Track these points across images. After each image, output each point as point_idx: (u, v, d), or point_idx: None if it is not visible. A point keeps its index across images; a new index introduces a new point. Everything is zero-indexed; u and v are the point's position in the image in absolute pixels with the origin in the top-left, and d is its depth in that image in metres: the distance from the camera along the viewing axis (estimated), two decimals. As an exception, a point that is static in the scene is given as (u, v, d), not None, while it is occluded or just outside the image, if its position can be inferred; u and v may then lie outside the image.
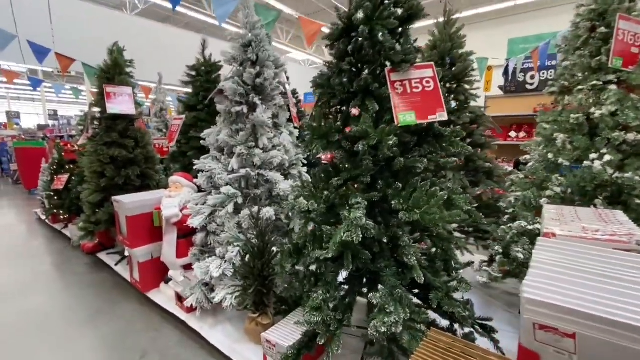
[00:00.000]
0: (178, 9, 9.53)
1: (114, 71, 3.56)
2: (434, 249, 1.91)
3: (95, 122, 3.66)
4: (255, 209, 2.35)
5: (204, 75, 3.46)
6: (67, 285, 3.24)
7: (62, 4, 8.37)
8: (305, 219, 1.92)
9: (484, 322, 1.88)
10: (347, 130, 1.83)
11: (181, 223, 2.62)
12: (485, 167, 3.10)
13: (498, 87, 5.76)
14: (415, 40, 1.77)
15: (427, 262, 1.82)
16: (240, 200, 2.40)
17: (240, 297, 2.19)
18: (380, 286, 1.61)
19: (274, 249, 2.21)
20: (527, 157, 2.63)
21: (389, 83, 1.64)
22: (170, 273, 2.84)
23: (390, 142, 1.51)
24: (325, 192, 1.75)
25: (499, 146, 3.90)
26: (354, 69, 1.81)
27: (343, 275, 1.91)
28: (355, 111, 1.78)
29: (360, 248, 1.67)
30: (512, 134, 5.33)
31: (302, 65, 18.36)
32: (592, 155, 2.09)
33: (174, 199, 2.69)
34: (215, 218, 2.48)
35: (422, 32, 2.57)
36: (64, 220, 4.78)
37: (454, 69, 3.08)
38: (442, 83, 2.46)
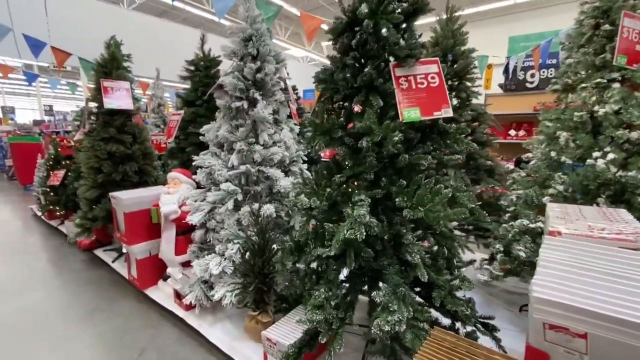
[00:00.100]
0: (176, 3, 9.44)
1: (112, 65, 3.50)
2: (435, 247, 1.89)
3: (92, 117, 3.60)
4: (256, 206, 2.32)
5: (202, 70, 3.41)
6: (63, 283, 3.20)
7: (57, -2, 8.26)
8: (307, 216, 1.90)
9: (485, 321, 1.87)
10: (349, 126, 1.81)
11: (180, 220, 2.59)
12: (486, 165, 3.09)
13: (498, 85, 5.75)
14: (420, 36, 1.74)
15: (430, 260, 1.81)
16: (240, 197, 2.37)
17: (240, 295, 2.17)
18: (383, 284, 1.59)
19: (275, 246, 2.18)
20: (529, 155, 2.62)
21: (393, 78, 1.62)
22: (169, 270, 2.81)
23: (396, 139, 1.49)
24: (328, 189, 1.72)
25: (498, 144, 3.89)
26: (357, 64, 1.78)
27: (344, 273, 1.89)
28: (357, 108, 1.76)
29: (363, 246, 1.65)
30: (512, 132, 5.33)
31: (300, 62, 18.28)
32: (596, 154, 2.07)
33: (173, 195, 2.65)
34: (214, 215, 2.45)
35: (423, 29, 2.54)
36: (60, 216, 4.73)
37: (455, 66, 3.06)
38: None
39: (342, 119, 1.79)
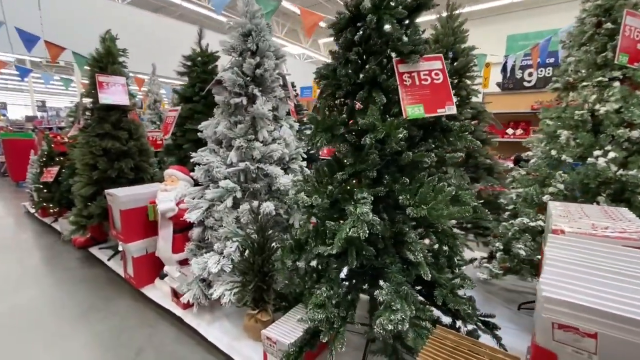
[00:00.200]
0: (172, -2, 9.32)
1: (107, 60, 3.44)
2: (436, 245, 1.88)
3: (87, 113, 3.54)
4: (255, 203, 2.30)
5: (200, 66, 3.37)
6: (57, 281, 3.15)
7: (50, -9, 8.10)
8: (308, 214, 1.87)
9: (486, 319, 1.86)
10: (351, 123, 1.78)
11: (177, 217, 2.55)
12: (485, 163, 3.09)
13: (496, 83, 5.75)
14: (424, 32, 1.72)
15: (432, 258, 1.79)
16: (239, 195, 2.34)
17: (239, 294, 2.14)
18: (386, 283, 1.57)
19: (274, 244, 2.16)
20: (529, 153, 2.62)
21: (397, 75, 1.60)
22: (166, 268, 2.77)
23: (400, 136, 1.47)
24: (329, 187, 1.70)
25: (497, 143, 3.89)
26: (359, 61, 1.75)
27: (344, 271, 1.87)
28: (357, 105, 1.74)
29: (365, 244, 1.63)
30: (509, 131, 5.34)
31: (297, 59, 18.19)
32: (596, 152, 2.07)
33: (170, 192, 2.61)
34: (212, 212, 2.42)
35: (424, 26, 2.51)
36: (53, 213, 4.65)
37: (455, 63, 3.04)
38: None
39: (344, 115, 1.76)
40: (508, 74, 5.28)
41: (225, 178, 2.39)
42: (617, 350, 0.86)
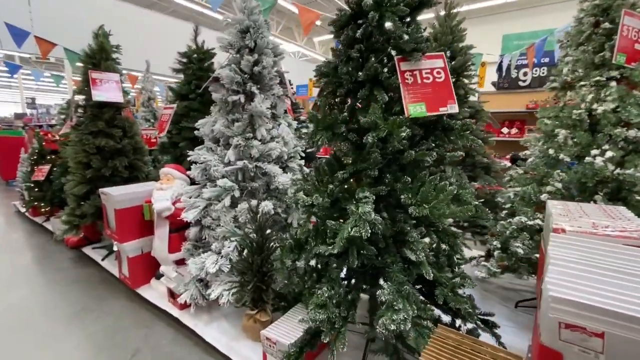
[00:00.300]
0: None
1: (100, 56, 3.37)
2: (435, 244, 1.88)
3: (80, 110, 3.46)
4: (254, 202, 2.27)
5: (196, 63, 3.32)
6: (50, 281, 3.09)
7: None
8: (308, 213, 1.85)
9: (485, 318, 1.87)
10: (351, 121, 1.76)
11: (173, 217, 2.51)
12: (483, 162, 3.10)
13: (491, 83, 5.78)
14: (425, 29, 1.71)
15: (433, 257, 1.79)
16: (237, 194, 2.31)
17: (237, 294, 2.12)
18: (387, 282, 1.56)
19: (273, 244, 2.14)
20: (527, 152, 2.63)
21: (398, 73, 1.58)
22: (162, 268, 2.73)
23: (403, 134, 1.45)
24: (330, 186, 1.68)
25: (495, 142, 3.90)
26: (360, 58, 1.74)
27: (343, 271, 1.86)
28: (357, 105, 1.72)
29: (366, 243, 1.62)
30: (505, 130, 5.38)
31: (292, 58, 18.10)
32: (594, 151, 2.09)
33: (166, 191, 2.57)
34: (210, 212, 2.39)
35: (422, 24, 2.50)
36: (45, 213, 4.57)
37: (453, 62, 3.04)
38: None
39: (345, 113, 1.75)
40: (503, 74, 5.31)
41: (223, 177, 2.36)
42: (624, 349, 0.86)
